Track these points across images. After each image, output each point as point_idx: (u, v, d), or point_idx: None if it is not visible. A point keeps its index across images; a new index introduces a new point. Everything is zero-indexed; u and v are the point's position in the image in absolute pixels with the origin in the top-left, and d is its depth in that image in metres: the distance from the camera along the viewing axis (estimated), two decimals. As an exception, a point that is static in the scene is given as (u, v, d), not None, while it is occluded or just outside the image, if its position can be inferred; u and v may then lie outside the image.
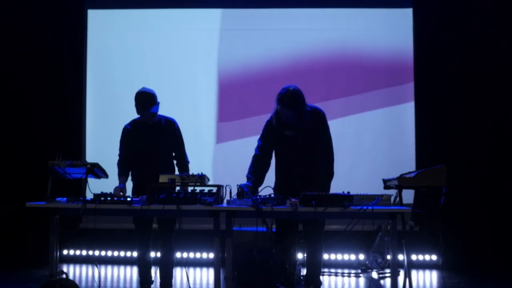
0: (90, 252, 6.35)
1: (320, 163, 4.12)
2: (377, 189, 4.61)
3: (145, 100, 4.27)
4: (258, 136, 4.26)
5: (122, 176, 4.36)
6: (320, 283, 4.26)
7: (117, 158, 4.45)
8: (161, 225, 4.41)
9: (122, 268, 6.07)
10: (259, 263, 4.42)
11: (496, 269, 5.90)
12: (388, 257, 5.38)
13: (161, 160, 4.40)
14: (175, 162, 4.53)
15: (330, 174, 4.19)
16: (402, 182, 4.20)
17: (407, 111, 6.30)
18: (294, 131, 4.06)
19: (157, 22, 6.47)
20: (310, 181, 4.06)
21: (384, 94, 6.30)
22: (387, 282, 5.25)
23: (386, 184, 4.57)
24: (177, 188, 4.05)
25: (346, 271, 5.76)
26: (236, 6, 6.46)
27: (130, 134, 4.40)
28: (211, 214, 3.82)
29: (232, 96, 6.38)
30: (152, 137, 4.37)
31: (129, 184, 4.43)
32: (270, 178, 4.33)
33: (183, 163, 4.50)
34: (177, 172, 4.44)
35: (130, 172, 4.45)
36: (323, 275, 5.40)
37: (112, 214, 3.96)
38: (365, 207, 3.66)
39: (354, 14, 6.40)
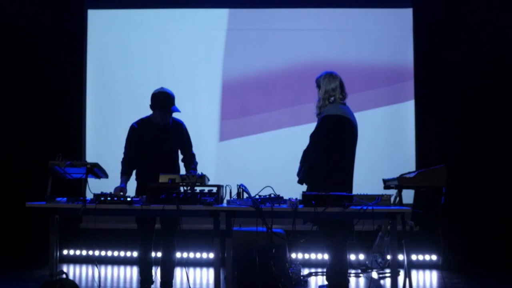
0: (90, 252, 6.34)
1: None
2: (377, 189, 4.60)
3: (169, 99, 4.27)
4: (260, 135, 4.26)
5: (125, 176, 4.34)
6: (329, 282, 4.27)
7: (118, 157, 4.44)
8: (163, 225, 4.39)
9: (122, 268, 6.07)
10: (259, 263, 4.42)
11: (496, 269, 5.90)
12: (388, 257, 5.38)
13: (166, 161, 4.39)
14: (182, 163, 4.52)
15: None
16: (402, 182, 4.20)
17: (407, 110, 6.30)
18: None
19: (157, 22, 6.47)
20: None
21: (384, 93, 6.30)
22: (387, 282, 5.25)
23: (386, 184, 4.57)
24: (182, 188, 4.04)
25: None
26: (237, 6, 6.46)
27: (137, 133, 4.38)
28: (211, 214, 3.82)
29: (236, 95, 6.38)
30: (159, 138, 4.36)
31: (133, 184, 4.41)
32: (270, 177, 4.33)
33: (191, 165, 4.49)
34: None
35: (134, 172, 4.44)
36: (317, 275, 5.42)
37: (112, 214, 3.96)
38: (365, 207, 3.66)
39: (354, 14, 6.40)
